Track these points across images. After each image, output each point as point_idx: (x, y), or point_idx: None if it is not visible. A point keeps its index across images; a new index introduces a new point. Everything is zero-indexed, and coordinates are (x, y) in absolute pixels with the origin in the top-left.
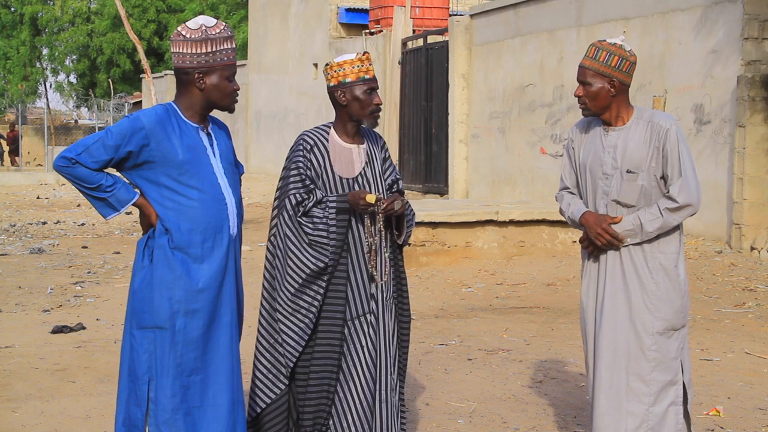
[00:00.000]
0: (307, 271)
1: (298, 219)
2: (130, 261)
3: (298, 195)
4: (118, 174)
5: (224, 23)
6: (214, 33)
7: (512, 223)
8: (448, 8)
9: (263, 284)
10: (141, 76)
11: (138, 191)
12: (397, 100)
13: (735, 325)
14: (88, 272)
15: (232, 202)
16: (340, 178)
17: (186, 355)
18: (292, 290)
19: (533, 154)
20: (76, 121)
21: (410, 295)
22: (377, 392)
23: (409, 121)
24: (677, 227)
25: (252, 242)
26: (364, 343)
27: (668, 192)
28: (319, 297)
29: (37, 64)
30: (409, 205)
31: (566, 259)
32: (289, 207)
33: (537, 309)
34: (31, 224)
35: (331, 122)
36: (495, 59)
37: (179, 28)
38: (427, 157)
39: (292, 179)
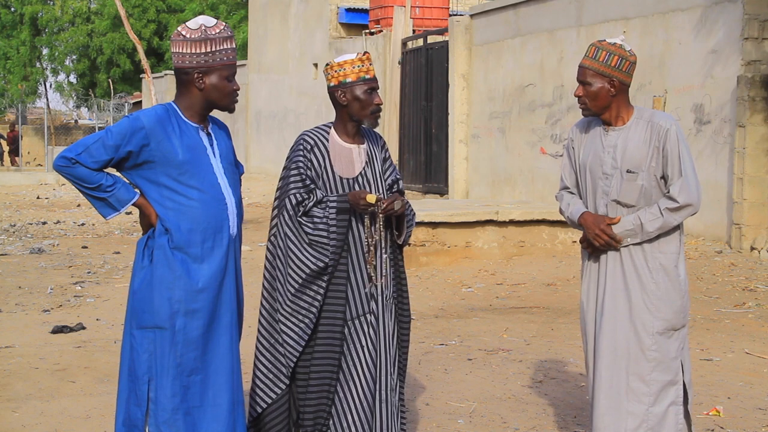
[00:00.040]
0: (308, 270)
1: (299, 219)
2: (130, 261)
3: (298, 195)
4: (118, 174)
5: (224, 23)
6: (213, 33)
7: (512, 223)
8: (448, 8)
9: (263, 284)
10: (141, 76)
11: (138, 191)
12: (397, 100)
13: (735, 325)
14: (88, 272)
15: (232, 202)
16: (341, 178)
17: (186, 355)
18: (293, 290)
19: (533, 154)
20: (76, 121)
21: (410, 295)
22: (377, 392)
23: (409, 121)
24: (677, 227)
25: (252, 242)
26: (364, 343)
27: (668, 192)
28: (319, 297)
29: (37, 64)
30: (409, 206)
31: (566, 259)
32: (289, 207)
33: (537, 309)
34: (31, 224)
35: (332, 122)
36: (495, 59)
37: (179, 28)
38: (427, 157)
39: (292, 179)
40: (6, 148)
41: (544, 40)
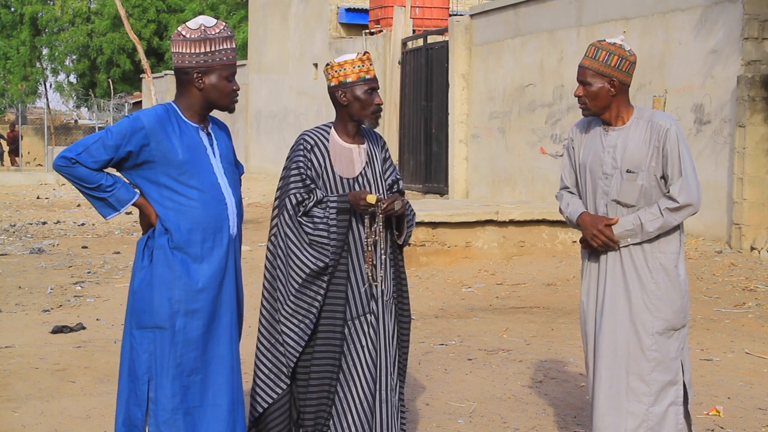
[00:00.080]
0: (308, 270)
1: (299, 219)
2: (130, 261)
3: (298, 195)
4: (118, 174)
5: (224, 23)
6: (213, 33)
7: (512, 223)
8: (448, 8)
9: (263, 284)
10: (141, 76)
11: (138, 191)
12: (397, 100)
13: (735, 325)
14: (88, 272)
15: (232, 202)
16: (341, 178)
17: (186, 355)
18: (293, 290)
19: (533, 154)
20: (76, 121)
21: (410, 295)
22: (377, 392)
23: (409, 121)
24: (677, 227)
25: (252, 242)
26: (364, 343)
27: (668, 192)
28: (319, 297)
29: (37, 64)
30: (410, 206)
31: (566, 259)
32: (289, 207)
33: (537, 309)
34: (31, 224)
35: (332, 122)
36: (495, 59)
37: (179, 28)
38: (427, 157)
39: (292, 179)
40: (6, 148)
41: (544, 40)
